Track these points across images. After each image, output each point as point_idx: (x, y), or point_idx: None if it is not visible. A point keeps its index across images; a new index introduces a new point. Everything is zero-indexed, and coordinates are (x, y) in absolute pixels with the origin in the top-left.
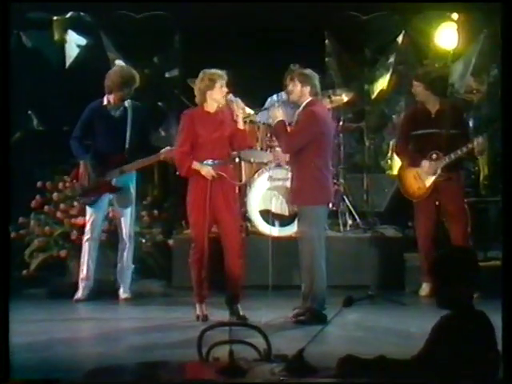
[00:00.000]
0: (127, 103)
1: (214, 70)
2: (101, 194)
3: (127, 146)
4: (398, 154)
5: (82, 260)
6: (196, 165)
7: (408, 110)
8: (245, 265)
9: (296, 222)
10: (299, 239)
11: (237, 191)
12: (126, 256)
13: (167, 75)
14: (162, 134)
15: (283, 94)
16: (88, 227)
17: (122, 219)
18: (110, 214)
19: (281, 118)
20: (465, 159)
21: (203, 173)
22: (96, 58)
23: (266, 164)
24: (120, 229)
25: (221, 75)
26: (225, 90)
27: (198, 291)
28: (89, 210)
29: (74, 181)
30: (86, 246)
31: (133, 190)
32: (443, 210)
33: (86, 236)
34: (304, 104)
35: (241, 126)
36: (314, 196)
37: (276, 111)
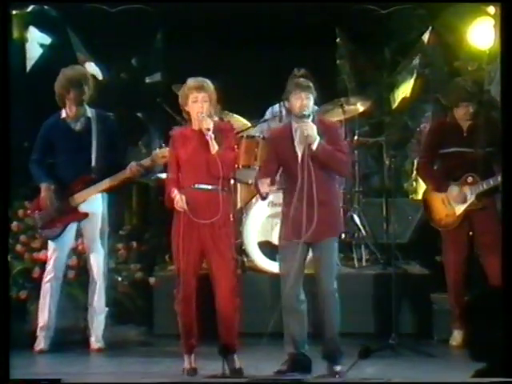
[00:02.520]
0: (90, 113)
1: (189, 80)
2: (66, 223)
3: (93, 164)
4: (420, 176)
5: (40, 304)
6: (174, 194)
7: (435, 122)
8: (241, 308)
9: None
10: (319, 277)
11: (230, 220)
12: (98, 297)
13: (148, 80)
14: (143, 150)
15: (286, 104)
16: (50, 265)
17: (93, 253)
18: (80, 247)
19: (315, 134)
20: None
21: (176, 205)
22: (63, 59)
23: None
24: (90, 265)
25: (195, 87)
26: (200, 105)
27: (185, 339)
28: (51, 244)
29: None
30: (46, 287)
31: (104, 217)
32: (477, 241)
33: (48, 276)
34: (315, 116)
35: (213, 150)
36: (339, 224)
37: (309, 126)
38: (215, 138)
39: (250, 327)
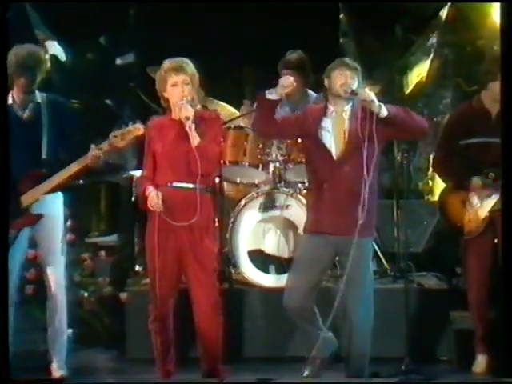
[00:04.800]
0: (40, 97)
1: (166, 62)
2: (18, 228)
3: (44, 156)
4: (438, 172)
5: None
6: (149, 191)
7: (457, 110)
8: (225, 327)
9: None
10: (350, 283)
11: (214, 225)
12: (59, 317)
13: (119, 62)
14: None
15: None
16: None
17: (50, 265)
18: (39, 258)
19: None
20: None
21: (149, 204)
22: (20, 38)
23: (256, 186)
24: (47, 278)
25: (174, 68)
26: (181, 89)
27: (160, 364)
28: None
29: None
30: None
31: (61, 220)
32: None
33: None
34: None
35: (193, 142)
36: (372, 225)
37: (369, 93)
38: (197, 129)
39: (237, 350)
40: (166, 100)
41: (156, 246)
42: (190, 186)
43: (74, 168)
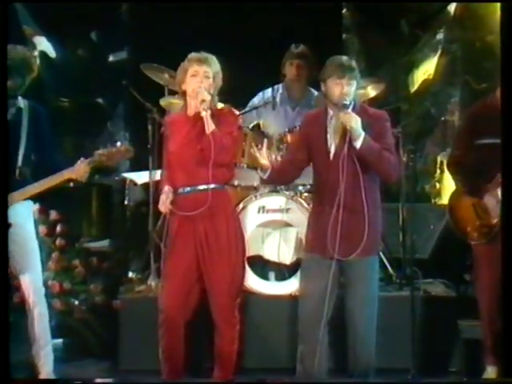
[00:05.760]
0: (22, 103)
1: (193, 54)
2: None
3: (19, 163)
4: (452, 172)
5: None
6: (162, 192)
7: (472, 108)
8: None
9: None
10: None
11: (237, 227)
12: (40, 327)
13: (111, 59)
14: (103, 145)
15: (280, 88)
16: None
17: (24, 274)
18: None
19: (360, 128)
20: None
21: (159, 205)
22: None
23: (255, 189)
24: (25, 289)
25: (198, 59)
26: (200, 80)
27: (167, 369)
28: None
29: None
30: None
31: (32, 229)
32: None
33: None
34: (356, 104)
35: (207, 129)
36: (377, 241)
37: (353, 118)
38: (213, 122)
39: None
40: (184, 93)
41: (175, 251)
42: (201, 187)
43: (57, 179)
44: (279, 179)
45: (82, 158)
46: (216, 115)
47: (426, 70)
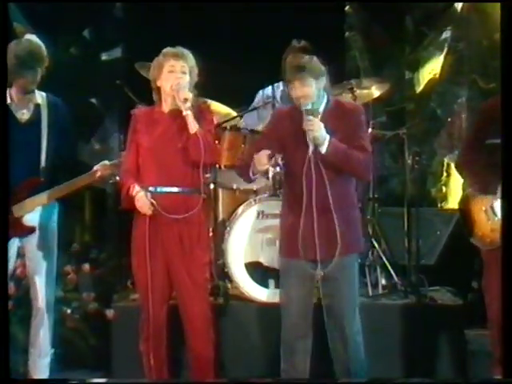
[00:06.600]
0: (40, 98)
1: (166, 48)
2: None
3: (43, 164)
4: (462, 173)
5: None
6: (136, 191)
7: (482, 107)
8: (220, 346)
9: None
10: (334, 310)
11: (208, 234)
12: (43, 335)
13: (105, 57)
14: (96, 146)
15: (280, 86)
16: None
17: (37, 278)
18: (18, 271)
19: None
20: None
21: (137, 205)
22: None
23: (255, 192)
24: (35, 293)
25: (174, 54)
26: (177, 76)
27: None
28: None
29: None
30: None
31: (55, 232)
32: None
33: None
34: (330, 98)
35: (192, 128)
36: (358, 239)
37: (315, 125)
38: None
39: (233, 372)
40: (158, 90)
41: (147, 254)
42: (179, 189)
43: (78, 183)
44: (244, 174)
45: (106, 161)
46: (194, 112)
47: (431, 69)
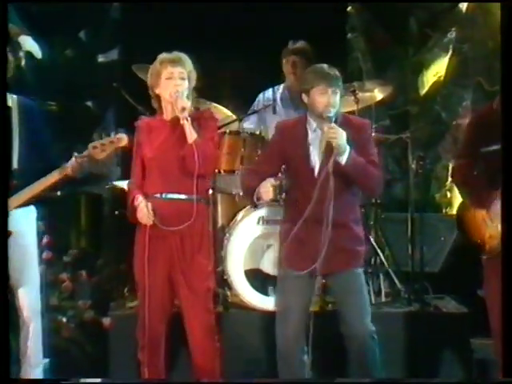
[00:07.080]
0: (10, 100)
1: (162, 54)
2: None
3: (15, 166)
4: (457, 183)
5: None
6: (138, 202)
7: (477, 113)
8: (222, 355)
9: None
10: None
11: (210, 243)
12: (33, 345)
13: (101, 59)
14: None
15: (281, 88)
16: None
17: (22, 287)
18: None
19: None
20: None
21: (138, 216)
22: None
23: None
24: (19, 302)
25: (171, 60)
26: (176, 83)
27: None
28: None
29: None
30: None
31: (34, 238)
32: None
33: None
34: (339, 115)
35: (189, 138)
36: (362, 252)
37: (339, 134)
38: (193, 127)
39: (233, 380)
40: (158, 98)
41: (146, 264)
42: (183, 196)
43: (51, 179)
44: (248, 199)
45: (75, 153)
46: (196, 119)
47: (436, 72)
